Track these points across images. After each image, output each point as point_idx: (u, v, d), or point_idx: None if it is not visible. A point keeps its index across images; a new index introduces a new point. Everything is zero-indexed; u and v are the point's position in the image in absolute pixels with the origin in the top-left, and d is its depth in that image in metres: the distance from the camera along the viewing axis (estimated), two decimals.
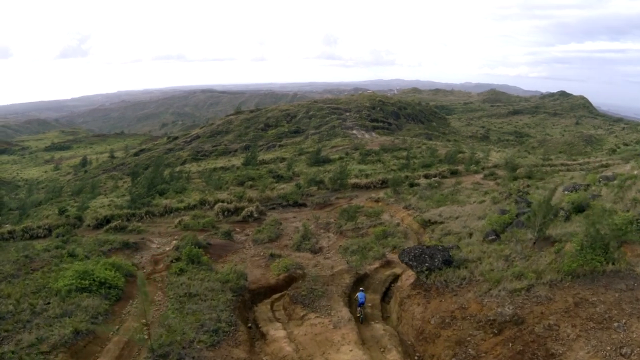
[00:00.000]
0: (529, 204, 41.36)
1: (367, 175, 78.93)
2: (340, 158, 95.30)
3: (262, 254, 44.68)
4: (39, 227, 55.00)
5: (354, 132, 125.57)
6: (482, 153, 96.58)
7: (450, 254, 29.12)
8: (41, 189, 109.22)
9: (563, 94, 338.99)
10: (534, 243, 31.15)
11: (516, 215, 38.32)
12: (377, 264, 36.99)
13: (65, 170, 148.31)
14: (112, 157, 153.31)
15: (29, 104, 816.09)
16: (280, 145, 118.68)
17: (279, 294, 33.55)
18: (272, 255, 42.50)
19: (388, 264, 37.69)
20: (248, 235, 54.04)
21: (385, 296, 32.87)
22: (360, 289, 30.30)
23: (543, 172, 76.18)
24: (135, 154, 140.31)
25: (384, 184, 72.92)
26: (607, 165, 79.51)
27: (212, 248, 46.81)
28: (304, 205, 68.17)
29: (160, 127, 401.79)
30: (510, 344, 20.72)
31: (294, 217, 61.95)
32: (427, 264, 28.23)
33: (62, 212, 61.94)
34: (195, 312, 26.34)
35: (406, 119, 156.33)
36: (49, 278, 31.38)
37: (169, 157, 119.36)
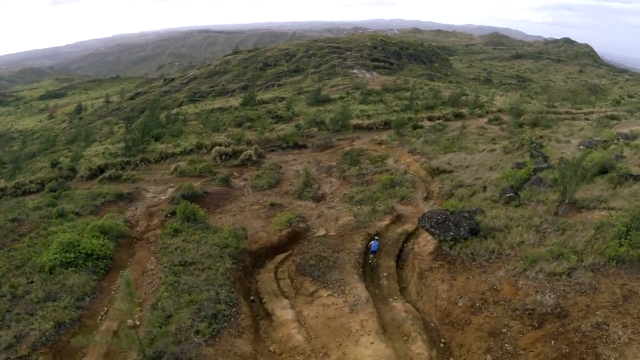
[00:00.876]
0: (545, 158, 37.67)
1: (369, 116, 74.35)
2: (341, 98, 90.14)
3: (261, 202, 41.43)
4: (31, 182, 51.06)
5: (355, 71, 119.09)
6: (485, 96, 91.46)
7: (477, 221, 25.25)
8: (36, 139, 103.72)
9: (567, 41, 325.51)
10: (558, 206, 27.66)
11: (533, 171, 34.65)
12: (387, 220, 33.37)
13: (60, 118, 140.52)
14: (108, 102, 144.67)
15: (23, 54, 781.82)
16: (279, 85, 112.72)
17: (283, 255, 30.07)
18: (272, 205, 39.14)
19: (398, 218, 34.23)
20: (247, 180, 50.49)
21: (399, 259, 29.46)
22: (375, 237, 29.23)
23: (548, 119, 71.66)
24: (131, 98, 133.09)
25: (386, 125, 68.63)
26: (613, 117, 75.06)
27: (209, 197, 43.54)
28: (305, 146, 64.03)
29: (157, 69, 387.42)
30: (553, 342, 17.28)
31: (294, 160, 58.09)
32: (451, 233, 24.45)
33: (54, 164, 57.78)
34: (191, 290, 22.72)
35: (408, 60, 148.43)
36: (35, 246, 27.92)
37: (166, 100, 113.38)
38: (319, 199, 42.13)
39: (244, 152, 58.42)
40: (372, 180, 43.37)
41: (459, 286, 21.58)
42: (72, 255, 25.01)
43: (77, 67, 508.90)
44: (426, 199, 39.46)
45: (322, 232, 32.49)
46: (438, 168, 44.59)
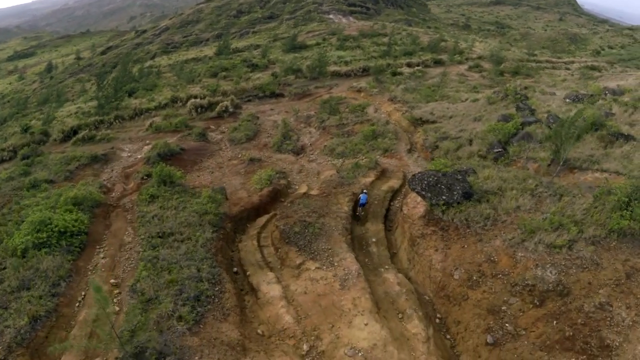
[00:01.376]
0: (532, 112, 36.05)
1: (346, 63, 71.59)
2: (318, 44, 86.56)
3: (240, 157, 39.77)
4: (2, 150, 49.04)
5: (331, 16, 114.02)
6: (465, 43, 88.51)
7: (470, 183, 23.67)
8: (6, 103, 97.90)
9: None
10: (549, 165, 26.33)
11: (521, 125, 33.14)
12: (372, 176, 31.72)
13: (31, 78, 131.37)
14: (79, 58, 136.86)
15: None
16: (254, 32, 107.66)
17: (265, 217, 28.39)
18: (251, 160, 37.56)
19: (383, 174, 32.78)
20: (224, 132, 48.75)
21: (386, 219, 28.00)
22: (364, 190, 28.69)
23: (529, 67, 69.62)
24: (102, 53, 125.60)
25: (365, 72, 66.34)
26: (593, 68, 73.21)
27: (186, 153, 41.86)
28: (282, 95, 62.06)
29: (128, 20, 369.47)
30: (555, 322, 16.06)
31: (272, 110, 56.28)
32: (444, 197, 22.65)
33: (25, 129, 54.72)
34: (171, 266, 20.85)
35: (385, 4, 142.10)
36: (7, 225, 25.73)
37: (138, 53, 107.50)
38: (298, 151, 40.41)
39: (220, 104, 56.06)
40: (352, 131, 41.53)
41: (454, 256, 20.14)
42: (44, 235, 22.78)
43: (45, 24, 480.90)
44: (410, 151, 37.99)
45: (304, 188, 31.11)
46: (421, 118, 42.82)
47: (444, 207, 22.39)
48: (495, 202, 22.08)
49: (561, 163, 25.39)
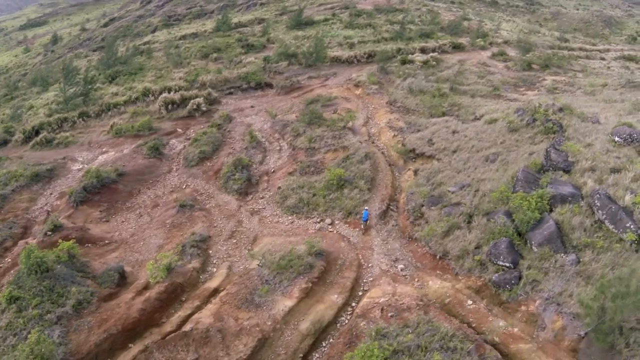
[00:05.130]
0: (567, 165, 24.04)
1: (351, 45, 61.44)
2: (326, 20, 75.66)
3: (174, 197, 31.70)
4: None
5: None
6: (490, 22, 75.09)
7: None
8: (8, 78, 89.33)
9: None
10: (583, 337, 16.13)
11: (549, 204, 21.50)
12: (296, 293, 20.62)
13: (36, 51, 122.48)
14: (83, 29, 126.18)
15: None
16: (261, 4, 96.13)
17: (133, 352, 18.60)
18: (182, 207, 29.66)
19: (321, 280, 21.76)
20: (189, 139, 41.67)
21: None
22: (365, 207, 26.67)
23: (560, 57, 57.06)
24: (104, 25, 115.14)
25: (370, 58, 56.43)
26: (630, 58, 59.89)
27: (124, 180, 35.91)
28: (270, 86, 53.82)
29: None
30: None
31: (252, 108, 48.52)
32: None
33: None
34: None
35: None
36: None
37: (139, 26, 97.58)
38: (246, 190, 31.67)
39: (192, 101, 47.98)
40: (322, 163, 32.86)
41: None
42: None
43: None
44: (384, 215, 27.54)
45: (216, 281, 23.03)
46: (414, 150, 32.72)
47: None
48: None
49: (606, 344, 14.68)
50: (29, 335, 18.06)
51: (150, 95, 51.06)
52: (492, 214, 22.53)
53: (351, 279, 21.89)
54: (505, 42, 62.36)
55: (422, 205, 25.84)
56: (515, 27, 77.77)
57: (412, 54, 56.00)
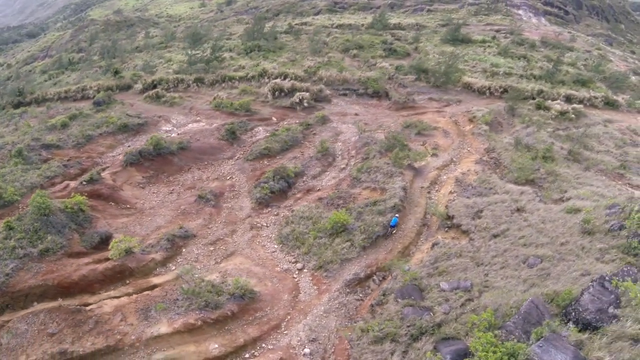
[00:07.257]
0: (615, 302, 14.75)
1: (493, 74, 55.22)
2: (483, 41, 69.19)
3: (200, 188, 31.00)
4: (91, 88, 51.64)
5: (520, 12, 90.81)
6: None
7: None
8: (177, 27, 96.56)
9: None
10: None
11: None
12: (176, 325, 18.66)
13: (210, 8, 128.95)
14: None
15: None
16: (429, 10, 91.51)
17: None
18: (200, 198, 29.11)
19: (220, 322, 19.41)
20: (276, 131, 40.50)
21: None
22: (396, 215, 25.93)
23: None
24: None
25: (505, 93, 49.89)
26: None
27: (183, 154, 37.05)
28: (387, 96, 50.71)
29: None
30: None
31: (355, 115, 46.19)
32: None
33: (115, 72, 55.11)
34: None
35: (588, 12, 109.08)
36: None
37: (304, 5, 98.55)
38: (270, 201, 29.51)
39: (297, 94, 46.25)
40: (354, 198, 29.33)
41: None
42: None
43: None
44: (357, 284, 22.51)
45: (161, 279, 22.13)
46: (452, 217, 26.22)
47: None
48: None
49: None
50: None
51: (266, 77, 51.34)
52: (442, 347, 15.85)
53: (249, 338, 18.90)
54: None
55: (392, 293, 20.05)
56: None
57: (554, 99, 48.80)
